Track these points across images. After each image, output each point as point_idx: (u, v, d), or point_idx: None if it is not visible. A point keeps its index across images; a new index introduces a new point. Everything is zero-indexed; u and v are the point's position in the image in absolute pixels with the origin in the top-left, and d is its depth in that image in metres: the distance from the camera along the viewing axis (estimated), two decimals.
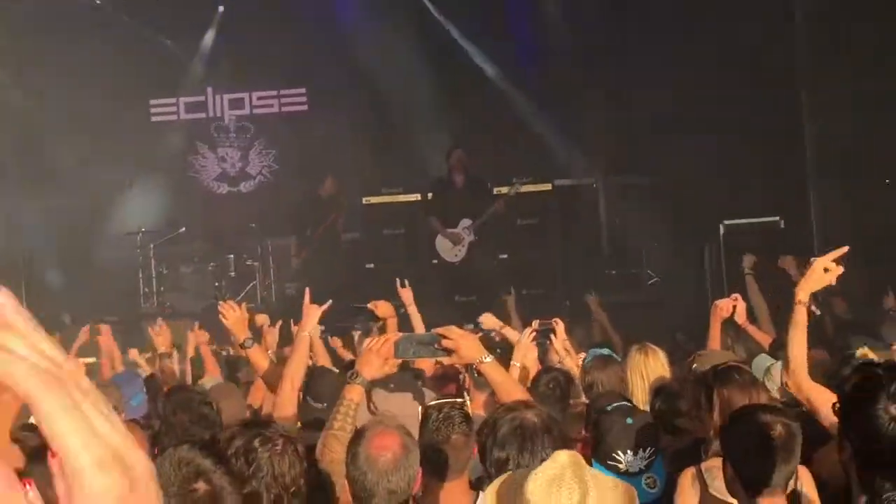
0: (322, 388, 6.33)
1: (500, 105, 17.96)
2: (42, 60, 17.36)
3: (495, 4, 18.22)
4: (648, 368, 6.69)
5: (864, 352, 5.38)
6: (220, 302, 7.27)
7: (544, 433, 3.76)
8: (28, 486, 1.63)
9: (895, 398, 3.21)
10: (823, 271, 4.99)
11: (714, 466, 4.86)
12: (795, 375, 4.96)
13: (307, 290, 6.65)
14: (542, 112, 17.68)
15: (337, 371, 6.95)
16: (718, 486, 4.56)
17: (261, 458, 4.00)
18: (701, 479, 4.82)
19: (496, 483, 3.55)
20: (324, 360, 8.04)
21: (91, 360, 10.27)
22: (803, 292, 5.04)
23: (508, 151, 17.60)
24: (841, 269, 5.01)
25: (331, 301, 6.49)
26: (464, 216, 16.04)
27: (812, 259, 5.08)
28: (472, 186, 16.23)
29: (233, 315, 7.11)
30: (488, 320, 8.68)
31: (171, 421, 5.64)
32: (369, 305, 7.68)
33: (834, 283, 5.00)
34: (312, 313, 6.24)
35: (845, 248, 5.12)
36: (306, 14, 18.12)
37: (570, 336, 9.09)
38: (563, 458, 3.23)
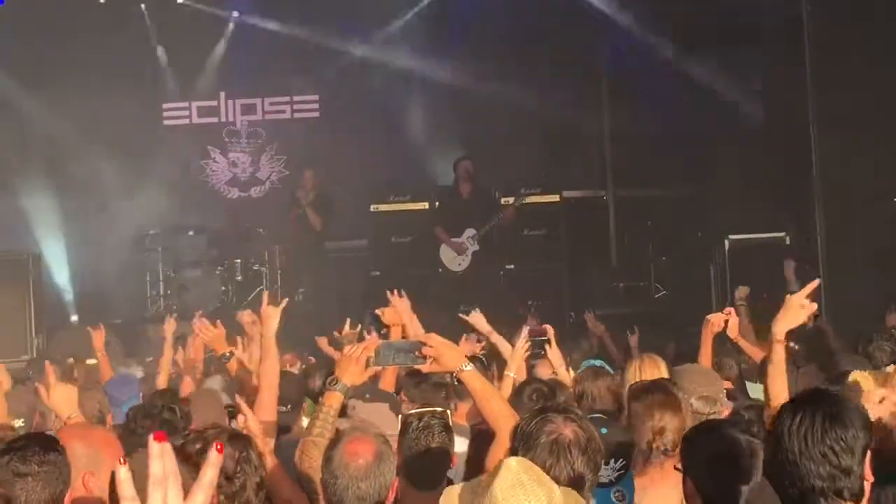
0: (283, 390, 6.31)
1: (510, 115, 17.93)
2: (55, 62, 17.42)
3: (507, 15, 18.20)
4: (646, 375, 6.67)
5: (856, 377, 5.32)
6: (194, 322, 7.32)
7: (578, 450, 3.73)
8: None
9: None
10: (799, 308, 4.99)
11: (640, 487, 4.86)
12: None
13: (265, 293, 6.64)
14: (553, 123, 17.65)
15: (296, 373, 6.94)
16: None
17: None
18: None
19: (454, 489, 3.52)
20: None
21: (92, 361, 10.33)
22: (779, 330, 5.02)
23: (518, 162, 17.57)
24: (815, 306, 5.03)
25: (287, 300, 6.44)
26: (469, 226, 16.03)
27: (787, 296, 5.11)
28: (479, 196, 16.22)
29: (208, 334, 7.17)
30: (479, 321, 8.66)
31: (132, 427, 5.68)
32: (377, 311, 7.68)
33: (806, 320, 5.02)
34: (272, 315, 6.16)
35: (816, 282, 5.14)
36: (319, 22, 18.19)
37: (574, 349, 9.09)
38: (513, 465, 3.20)
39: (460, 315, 8.68)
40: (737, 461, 3.93)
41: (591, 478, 3.70)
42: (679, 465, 4.09)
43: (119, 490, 1.94)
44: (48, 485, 4.08)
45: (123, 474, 1.95)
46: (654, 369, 6.71)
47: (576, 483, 3.60)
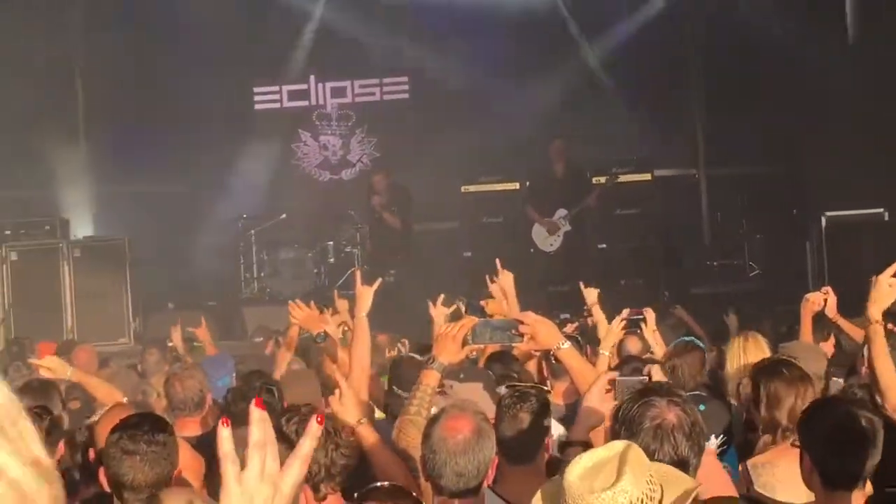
0: (408, 377, 6.31)
1: (602, 94, 17.82)
2: (144, 48, 17.60)
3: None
4: (749, 353, 6.62)
5: None
6: (290, 303, 7.39)
7: (682, 434, 3.70)
8: None
9: None
10: (888, 287, 5.02)
11: (762, 462, 4.77)
12: (889, 396, 4.91)
13: (357, 271, 6.68)
14: (645, 102, 17.49)
15: (421, 359, 6.94)
16: (764, 483, 4.46)
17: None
18: (746, 475, 4.74)
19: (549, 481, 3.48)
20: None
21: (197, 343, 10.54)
22: (875, 311, 5.04)
23: (610, 141, 17.43)
24: None
25: (381, 280, 6.48)
26: (561, 206, 15.99)
27: (873, 277, 5.11)
28: (571, 176, 16.17)
29: (301, 314, 7.22)
30: (590, 294, 8.68)
31: (232, 410, 5.73)
32: (481, 302, 7.69)
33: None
34: (366, 294, 6.19)
35: None
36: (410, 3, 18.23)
37: (662, 325, 9.01)
38: (617, 447, 3.14)
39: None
40: (856, 438, 3.86)
41: (695, 462, 3.65)
42: (797, 442, 4.03)
43: (220, 447, 1.92)
44: (155, 465, 4.13)
45: (225, 433, 1.92)
46: (757, 349, 6.64)
47: (680, 467, 3.55)
